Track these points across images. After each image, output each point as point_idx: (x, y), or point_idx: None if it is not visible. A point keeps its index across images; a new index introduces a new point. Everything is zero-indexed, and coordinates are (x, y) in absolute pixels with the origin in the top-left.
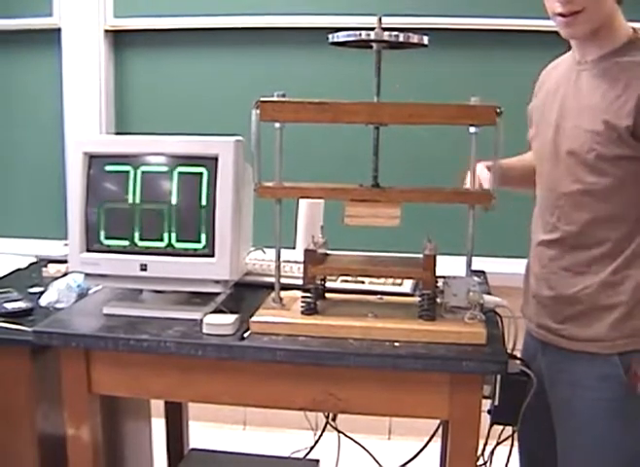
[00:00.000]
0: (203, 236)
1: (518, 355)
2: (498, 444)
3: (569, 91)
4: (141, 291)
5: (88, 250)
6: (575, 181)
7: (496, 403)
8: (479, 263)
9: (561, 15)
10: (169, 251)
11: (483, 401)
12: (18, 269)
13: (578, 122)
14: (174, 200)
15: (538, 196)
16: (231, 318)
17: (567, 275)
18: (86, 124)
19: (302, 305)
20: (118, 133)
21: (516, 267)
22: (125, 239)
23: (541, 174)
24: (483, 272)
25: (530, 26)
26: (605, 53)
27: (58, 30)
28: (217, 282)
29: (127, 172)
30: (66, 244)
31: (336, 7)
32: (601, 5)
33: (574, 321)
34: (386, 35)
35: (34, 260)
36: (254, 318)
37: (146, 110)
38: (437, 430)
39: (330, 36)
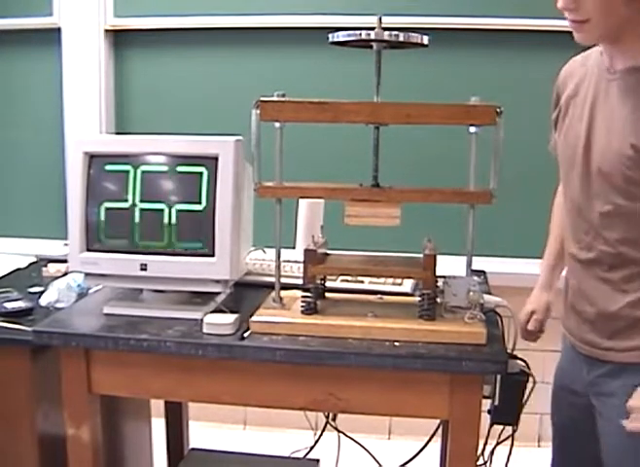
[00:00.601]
0: (203, 236)
1: (519, 355)
2: (498, 444)
3: (599, 102)
4: (141, 291)
5: (88, 250)
6: (607, 202)
7: (496, 403)
8: (479, 263)
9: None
10: (169, 251)
11: (483, 401)
12: (18, 269)
13: (607, 141)
14: (174, 200)
15: (568, 207)
16: (231, 318)
17: (608, 291)
18: (86, 124)
19: (302, 304)
20: (118, 133)
21: (516, 267)
22: (125, 239)
23: (570, 186)
24: (483, 272)
25: (531, 26)
26: (635, 66)
27: (58, 30)
28: (217, 282)
29: (127, 172)
30: (66, 244)
31: (336, 7)
32: (609, 15)
33: (620, 335)
34: (386, 35)
35: (34, 260)
36: (254, 318)
37: (146, 110)
38: (437, 430)
39: (330, 36)
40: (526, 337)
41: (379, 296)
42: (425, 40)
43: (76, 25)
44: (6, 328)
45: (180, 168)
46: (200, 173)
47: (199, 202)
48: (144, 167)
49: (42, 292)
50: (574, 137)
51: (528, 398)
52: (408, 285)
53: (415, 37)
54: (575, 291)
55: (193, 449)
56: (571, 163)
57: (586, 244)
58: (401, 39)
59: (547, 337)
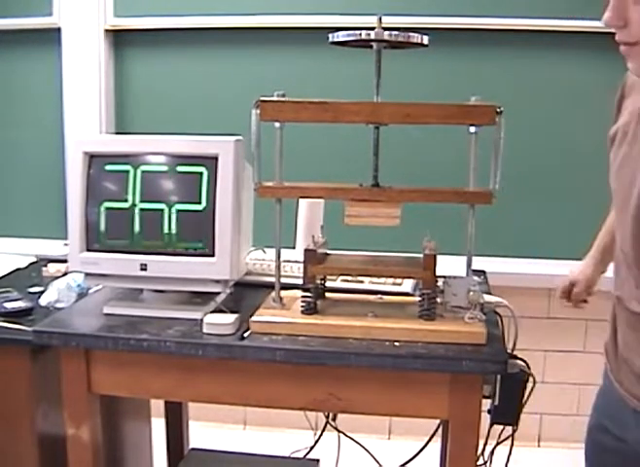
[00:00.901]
0: (203, 236)
1: (519, 355)
2: (498, 444)
3: None
4: (141, 290)
5: (88, 250)
6: None
7: (496, 403)
8: (479, 263)
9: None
10: (169, 251)
11: (483, 401)
12: (18, 269)
13: None
14: (174, 200)
15: (617, 250)
16: (231, 318)
17: None
18: (86, 124)
19: (303, 304)
20: (118, 133)
21: (517, 267)
22: (125, 239)
23: (621, 228)
24: (484, 272)
25: (531, 26)
26: None
27: (58, 30)
28: (217, 282)
29: (127, 172)
30: (66, 244)
31: (336, 6)
32: None
33: None
34: (386, 35)
35: (34, 260)
36: (254, 318)
37: (146, 110)
38: (437, 430)
39: (330, 36)
40: (561, 300)
41: (379, 296)
42: (425, 40)
43: (76, 25)
44: (6, 328)
45: (180, 168)
46: (200, 173)
47: (199, 202)
48: (144, 167)
49: (42, 292)
50: (629, 179)
51: (528, 398)
52: (408, 285)
53: (415, 37)
54: (625, 340)
55: (193, 448)
56: (624, 205)
57: (637, 296)
58: (401, 39)
59: (547, 336)
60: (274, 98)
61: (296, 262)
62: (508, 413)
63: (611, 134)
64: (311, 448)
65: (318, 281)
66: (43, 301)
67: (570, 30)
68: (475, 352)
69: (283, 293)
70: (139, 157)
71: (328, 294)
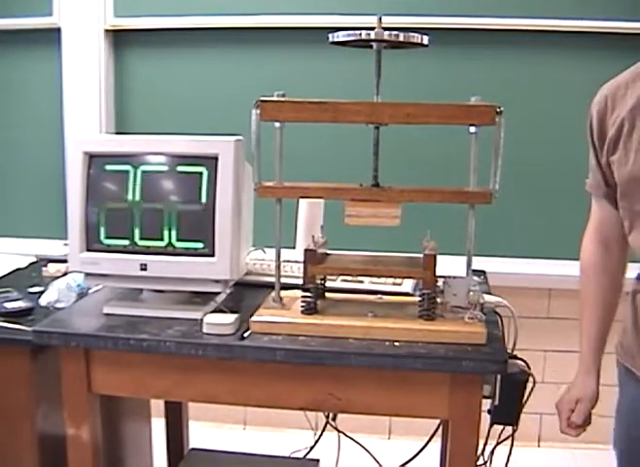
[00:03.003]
0: (203, 236)
1: (519, 356)
2: (498, 444)
3: None
4: (141, 290)
5: (88, 250)
6: None
7: (496, 403)
8: (479, 263)
9: None
10: (169, 251)
11: (483, 401)
12: (18, 269)
13: None
14: (174, 200)
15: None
16: (231, 318)
17: None
18: (86, 124)
19: (303, 304)
20: (118, 133)
21: (516, 267)
22: (126, 239)
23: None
24: (484, 272)
25: (532, 26)
26: None
27: (58, 30)
28: (217, 282)
29: (127, 172)
30: (66, 244)
31: (336, 7)
32: None
33: None
34: (386, 35)
35: (34, 260)
36: (254, 318)
37: (146, 110)
38: (437, 430)
39: (330, 36)
40: (568, 431)
41: (379, 296)
42: (425, 40)
43: (76, 25)
44: (6, 328)
45: (180, 168)
46: (200, 173)
47: (199, 202)
48: (144, 167)
49: (42, 292)
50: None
51: (528, 398)
52: (408, 285)
53: (415, 37)
54: None
55: (193, 448)
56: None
57: None
58: (401, 39)
59: (547, 336)
60: (274, 98)
61: (296, 262)
62: (508, 413)
63: (608, 141)
64: (311, 448)
65: (318, 281)
66: (43, 301)
67: (570, 30)
68: (475, 352)
69: (283, 293)
70: (139, 157)
71: (328, 294)
